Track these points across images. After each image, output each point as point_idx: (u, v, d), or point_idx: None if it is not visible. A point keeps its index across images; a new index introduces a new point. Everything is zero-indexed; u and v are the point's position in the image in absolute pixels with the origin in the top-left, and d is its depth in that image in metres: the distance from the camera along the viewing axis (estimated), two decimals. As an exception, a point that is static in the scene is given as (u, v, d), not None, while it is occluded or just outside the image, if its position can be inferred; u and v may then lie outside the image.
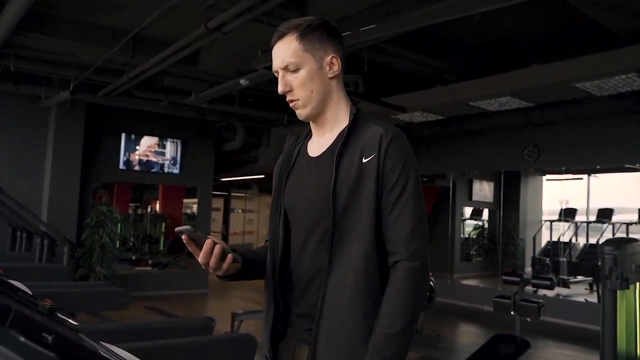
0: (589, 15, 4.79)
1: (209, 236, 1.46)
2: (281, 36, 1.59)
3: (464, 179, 12.40)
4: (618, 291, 2.87)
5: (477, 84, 6.24)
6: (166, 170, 10.22)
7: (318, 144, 1.64)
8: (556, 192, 12.35)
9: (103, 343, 1.23)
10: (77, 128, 8.84)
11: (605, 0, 4.56)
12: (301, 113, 1.60)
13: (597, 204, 11.21)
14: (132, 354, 1.33)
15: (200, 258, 1.47)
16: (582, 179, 11.54)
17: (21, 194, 7.19)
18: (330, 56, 1.58)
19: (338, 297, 1.46)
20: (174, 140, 10.25)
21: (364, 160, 1.48)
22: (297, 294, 1.58)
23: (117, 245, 10.25)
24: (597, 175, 11.36)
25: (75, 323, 1.80)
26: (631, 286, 2.94)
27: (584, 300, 9.04)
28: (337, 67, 1.59)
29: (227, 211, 17.58)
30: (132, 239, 13.13)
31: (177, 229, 1.45)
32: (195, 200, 11.35)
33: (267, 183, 14.98)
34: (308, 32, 1.56)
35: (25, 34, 6.05)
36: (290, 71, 1.57)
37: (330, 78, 1.60)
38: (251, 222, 18.53)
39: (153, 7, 5.02)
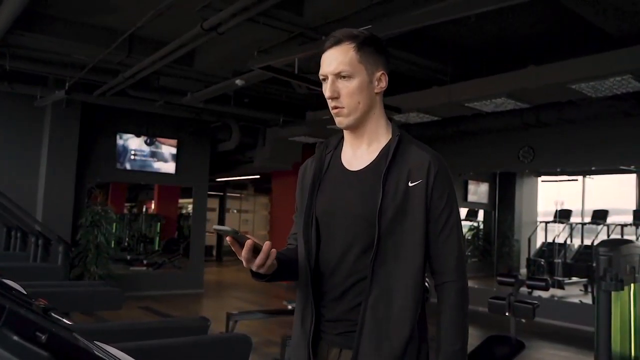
0: (584, 17, 4.80)
1: (249, 236, 1.50)
2: (337, 42, 1.61)
3: (459, 180, 12.42)
4: (612, 292, 2.88)
5: (472, 85, 6.25)
6: (161, 170, 10.19)
7: (354, 157, 1.69)
8: (551, 193, 12.38)
9: (97, 342, 1.23)
10: (73, 127, 8.82)
11: (601, 2, 4.58)
12: (342, 121, 1.64)
13: (592, 205, 11.23)
14: (127, 353, 1.32)
15: (244, 253, 1.49)
16: (577, 180, 11.57)
17: (16, 193, 7.15)
18: (381, 72, 1.63)
19: (383, 308, 1.55)
20: (170, 140, 10.22)
21: (411, 184, 1.57)
22: (330, 300, 1.64)
23: (112, 245, 10.22)
24: (592, 176, 11.39)
25: (70, 323, 1.80)
26: (625, 287, 2.95)
27: (579, 302, 9.06)
28: (384, 84, 1.65)
29: (222, 211, 17.55)
30: (127, 239, 13.12)
31: (215, 227, 1.49)
32: (191, 200, 11.34)
33: (263, 183, 14.97)
34: (365, 45, 1.61)
35: (21, 33, 6.02)
36: (342, 78, 1.60)
37: (376, 93, 1.65)
38: (247, 222, 18.51)
39: (149, 6, 5.02)
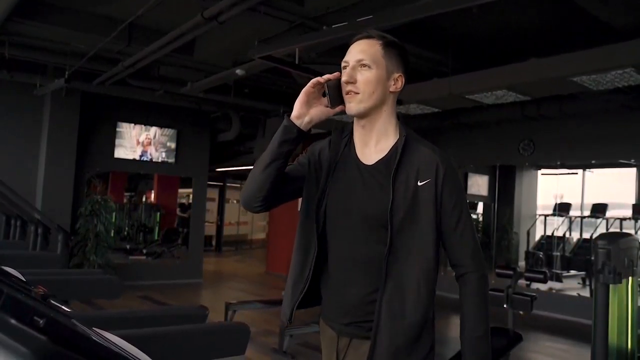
0: (586, 9, 4.78)
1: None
2: (367, 37, 1.71)
3: (459, 172, 12.40)
4: (610, 285, 2.88)
5: (473, 77, 6.22)
6: (161, 160, 10.19)
7: (362, 153, 1.75)
8: (551, 186, 12.37)
9: (95, 329, 1.23)
10: (72, 116, 8.80)
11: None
12: (353, 107, 1.69)
13: (592, 199, 11.24)
14: (125, 340, 1.32)
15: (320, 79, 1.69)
16: (577, 173, 11.56)
17: (15, 181, 7.14)
18: (399, 74, 1.73)
19: (398, 304, 1.61)
20: (169, 130, 10.21)
21: (420, 183, 1.64)
22: (337, 288, 1.73)
23: (112, 235, 10.22)
24: (592, 170, 11.38)
25: (69, 310, 1.80)
26: (623, 280, 2.95)
27: (577, 295, 9.08)
28: (399, 85, 1.74)
29: (222, 202, 17.55)
30: (126, 229, 13.12)
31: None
32: (190, 190, 11.34)
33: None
34: (391, 46, 1.72)
35: (21, 21, 6.00)
36: (362, 66, 1.67)
37: (391, 92, 1.73)
38: (246, 213, 18.50)
39: (149, -5, 4.99)
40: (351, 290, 1.68)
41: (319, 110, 1.71)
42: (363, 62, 1.66)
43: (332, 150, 1.78)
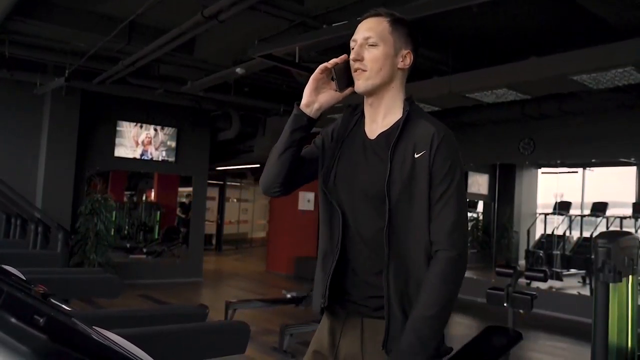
0: (587, 8, 4.78)
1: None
2: (375, 15, 1.72)
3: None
4: (610, 284, 2.87)
5: (473, 75, 6.22)
6: (161, 159, 10.19)
7: (370, 129, 1.75)
8: (551, 185, 12.37)
9: (96, 328, 1.23)
10: (72, 115, 8.80)
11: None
12: (361, 84, 1.68)
13: (592, 197, 11.23)
14: (125, 339, 1.32)
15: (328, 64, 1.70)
16: (577, 172, 11.56)
17: (15, 180, 7.16)
18: (407, 51, 1.72)
19: (404, 280, 1.59)
20: (169, 128, 10.21)
21: (416, 156, 1.61)
22: (348, 265, 1.68)
23: (112, 233, 10.23)
24: (592, 169, 11.38)
25: (69, 309, 1.80)
26: (623, 279, 2.95)
27: (577, 293, 9.08)
28: (408, 62, 1.72)
29: (222, 200, 17.56)
30: (126, 227, 13.12)
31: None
32: (190, 189, 11.34)
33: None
34: (399, 22, 1.71)
35: (21, 19, 6.00)
36: (369, 45, 1.67)
37: (399, 68, 1.71)
38: (246, 211, 18.52)
39: (149, -7, 4.99)
40: (358, 267, 1.66)
41: (329, 96, 1.73)
42: (370, 40, 1.66)
43: (341, 127, 1.80)
